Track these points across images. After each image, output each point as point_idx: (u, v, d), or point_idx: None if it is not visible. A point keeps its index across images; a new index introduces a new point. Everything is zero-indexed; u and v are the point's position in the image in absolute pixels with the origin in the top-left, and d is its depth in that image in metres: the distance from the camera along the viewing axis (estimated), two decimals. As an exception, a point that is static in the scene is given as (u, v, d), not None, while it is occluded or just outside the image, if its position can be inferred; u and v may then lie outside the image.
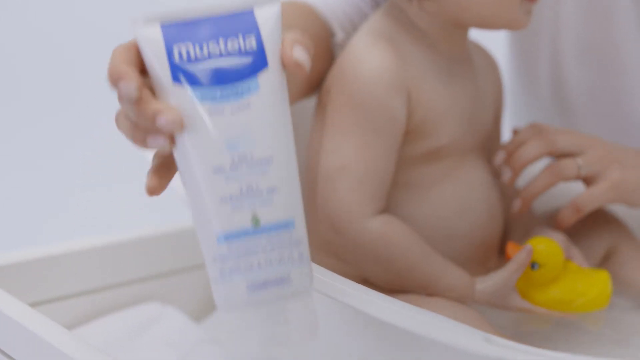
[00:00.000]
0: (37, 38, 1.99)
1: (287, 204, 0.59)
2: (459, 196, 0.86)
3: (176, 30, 0.59)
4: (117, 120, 0.64)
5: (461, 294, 0.81)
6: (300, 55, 0.62)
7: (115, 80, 0.59)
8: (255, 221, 0.58)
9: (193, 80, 0.58)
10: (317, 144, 0.85)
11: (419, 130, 0.83)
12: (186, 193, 0.60)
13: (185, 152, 0.58)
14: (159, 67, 0.59)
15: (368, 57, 0.81)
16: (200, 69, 0.58)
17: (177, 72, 0.58)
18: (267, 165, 0.58)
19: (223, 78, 0.58)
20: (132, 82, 0.58)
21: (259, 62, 0.59)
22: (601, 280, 0.85)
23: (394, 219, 0.81)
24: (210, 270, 0.59)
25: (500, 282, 0.82)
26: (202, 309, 1.04)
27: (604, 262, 0.99)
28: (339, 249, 0.81)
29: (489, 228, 0.89)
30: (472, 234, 0.87)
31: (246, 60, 0.59)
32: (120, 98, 0.60)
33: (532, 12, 0.84)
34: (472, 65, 0.90)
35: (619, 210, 1.02)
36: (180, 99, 0.58)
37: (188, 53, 0.58)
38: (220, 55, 0.59)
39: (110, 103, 0.65)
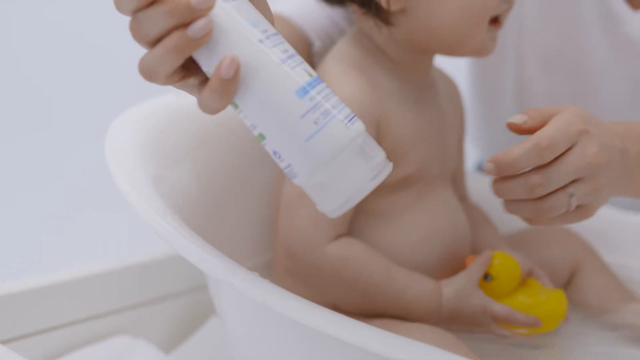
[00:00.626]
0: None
1: None
2: (428, 222, 0.87)
3: None
4: (147, 61, 0.59)
5: (430, 299, 0.82)
6: None
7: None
8: (311, 75, 0.60)
9: None
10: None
11: (388, 158, 0.83)
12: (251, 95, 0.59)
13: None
14: None
15: (338, 87, 0.81)
16: None
17: None
18: None
19: None
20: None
21: None
22: (556, 298, 0.85)
23: (352, 240, 0.81)
24: (304, 131, 0.59)
25: (464, 280, 0.83)
26: (172, 341, 1.03)
27: (569, 283, 1.01)
28: (299, 277, 0.81)
29: (457, 251, 0.89)
30: (441, 257, 0.87)
31: None
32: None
33: (497, 38, 0.85)
34: (436, 91, 0.91)
35: (582, 229, 1.04)
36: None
37: None
38: None
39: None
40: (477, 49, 0.84)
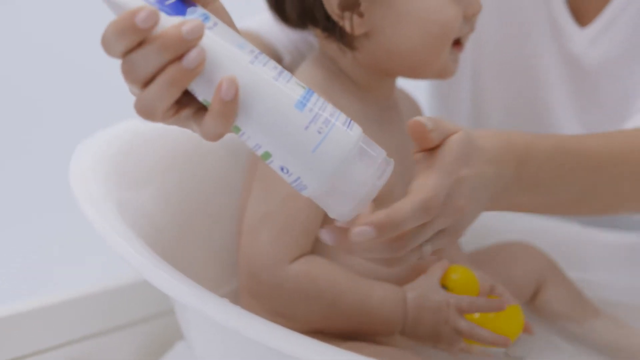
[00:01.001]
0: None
1: None
2: None
3: None
4: (144, 100, 0.59)
5: (395, 302, 0.81)
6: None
7: (128, 21, 0.56)
8: (303, 87, 0.61)
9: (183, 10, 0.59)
10: (247, 189, 0.85)
11: None
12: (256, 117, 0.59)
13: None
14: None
15: None
16: (172, 4, 0.60)
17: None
18: None
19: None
20: (148, 9, 0.56)
21: None
22: (511, 314, 0.85)
23: (314, 256, 0.81)
24: (310, 142, 0.60)
25: (426, 282, 0.83)
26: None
27: (534, 297, 1.02)
28: (264, 298, 0.81)
29: (420, 268, 0.88)
30: (404, 275, 0.87)
31: None
32: (138, 33, 0.57)
33: (459, 59, 0.86)
34: (399, 112, 0.92)
35: (545, 246, 1.05)
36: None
37: None
38: None
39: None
40: (439, 72, 0.85)
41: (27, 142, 1.77)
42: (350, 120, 0.63)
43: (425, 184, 0.64)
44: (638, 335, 0.98)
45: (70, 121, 1.52)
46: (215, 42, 0.59)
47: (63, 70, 1.82)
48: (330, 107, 0.62)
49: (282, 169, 0.61)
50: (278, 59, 0.99)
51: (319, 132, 0.60)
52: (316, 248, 0.83)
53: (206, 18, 0.60)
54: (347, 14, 0.81)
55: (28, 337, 0.95)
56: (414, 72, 0.85)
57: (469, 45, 1.14)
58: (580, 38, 1.08)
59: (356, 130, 0.62)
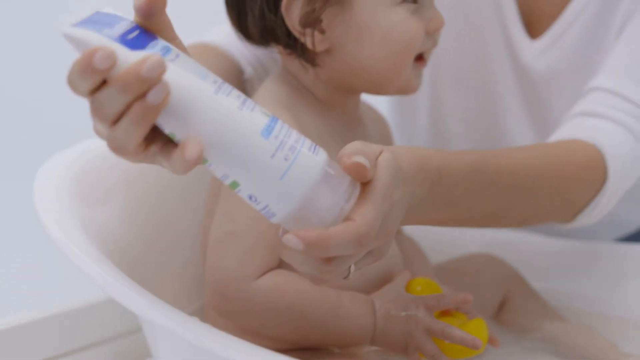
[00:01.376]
0: None
1: None
2: None
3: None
4: (114, 138, 0.59)
5: (365, 307, 0.81)
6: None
7: (87, 61, 0.56)
8: (267, 115, 0.61)
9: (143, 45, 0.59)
10: (213, 206, 0.84)
11: None
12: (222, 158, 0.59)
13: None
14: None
15: None
16: (134, 37, 0.59)
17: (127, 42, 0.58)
18: None
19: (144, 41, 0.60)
20: (104, 50, 0.56)
21: None
22: (474, 326, 0.85)
23: (281, 270, 0.81)
24: (277, 170, 0.60)
25: (392, 288, 0.83)
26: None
27: (501, 309, 1.03)
28: (231, 315, 0.80)
29: (389, 280, 0.88)
30: (374, 289, 0.86)
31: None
32: (98, 74, 0.56)
33: (422, 75, 0.86)
34: (364, 128, 0.92)
35: (510, 257, 1.06)
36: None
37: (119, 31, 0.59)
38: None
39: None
40: (402, 88, 0.85)
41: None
42: (316, 145, 0.63)
43: (363, 216, 0.62)
44: (604, 341, 0.99)
45: (33, 140, 1.51)
46: (178, 74, 0.59)
47: (23, 88, 1.81)
48: (295, 134, 0.62)
49: (250, 198, 0.61)
50: (239, 72, 0.99)
51: (286, 160, 0.60)
52: (283, 262, 0.83)
53: (168, 50, 0.60)
54: (308, 31, 0.81)
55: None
56: (377, 89, 0.85)
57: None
58: (530, 49, 1.10)
59: (322, 155, 0.62)
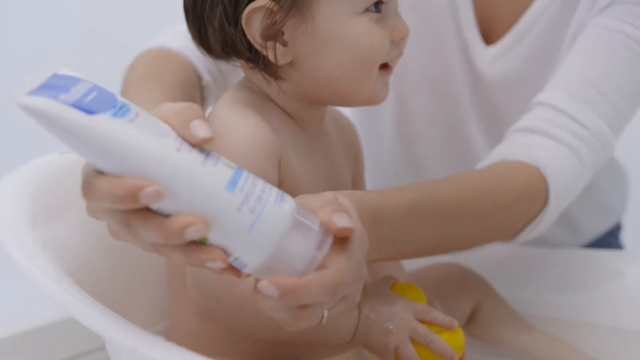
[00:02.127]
0: None
1: None
2: None
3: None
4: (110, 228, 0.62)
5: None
6: (200, 131, 0.61)
7: (134, 194, 0.57)
8: (231, 167, 0.61)
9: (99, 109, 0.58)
10: None
11: None
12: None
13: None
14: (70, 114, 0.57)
15: (238, 124, 0.79)
16: (91, 100, 0.58)
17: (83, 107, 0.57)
18: None
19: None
20: (154, 186, 0.57)
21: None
22: (451, 336, 0.82)
23: None
24: (244, 223, 0.59)
25: (377, 286, 0.82)
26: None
27: (471, 319, 1.02)
28: (221, 316, 0.78)
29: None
30: None
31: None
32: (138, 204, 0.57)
33: (389, 83, 0.85)
34: (328, 139, 0.90)
35: (482, 269, 1.06)
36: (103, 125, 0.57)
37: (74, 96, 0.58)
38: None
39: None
40: (368, 98, 0.83)
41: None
42: (283, 193, 0.62)
43: (337, 265, 0.62)
44: (571, 348, 0.99)
45: None
46: (139, 134, 0.58)
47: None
48: (261, 183, 0.62)
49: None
50: (197, 78, 0.97)
51: (252, 212, 0.59)
52: None
53: (127, 111, 0.59)
54: (270, 44, 0.79)
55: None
56: (343, 100, 0.84)
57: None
58: (483, 55, 1.10)
59: (290, 203, 0.62)
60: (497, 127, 1.13)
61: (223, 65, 0.95)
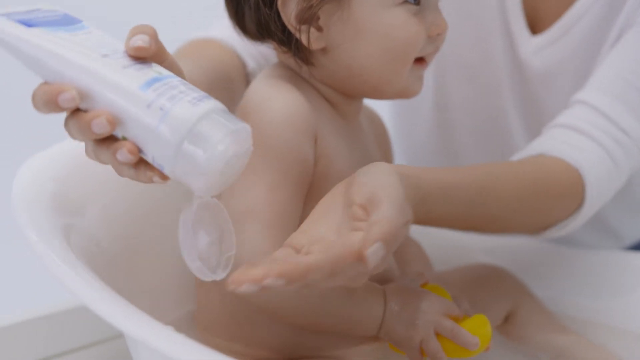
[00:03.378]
0: None
1: None
2: None
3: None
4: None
5: (376, 296, 0.79)
6: (135, 41, 0.66)
7: (54, 98, 0.63)
8: (158, 72, 0.65)
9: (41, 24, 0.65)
10: None
11: (320, 186, 0.80)
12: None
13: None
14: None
15: (275, 97, 0.78)
16: (42, 20, 0.66)
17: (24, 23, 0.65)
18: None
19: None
20: (71, 91, 0.63)
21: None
22: (477, 322, 0.81)
23: None
24: (153, 119, 0.62)
25: (407, 281, 0.82)
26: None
27: (506, 320, 1.00)
28: (251, 294, 0.77)
29: (385, 274, 0.86)
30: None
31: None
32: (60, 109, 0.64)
33: (423, 77, 0.83)
34: (362, 130, 0.89)
35: (516, 270, 1.04)
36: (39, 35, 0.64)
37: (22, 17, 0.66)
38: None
39: None
40: (401, 91, 0.82)
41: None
42: (206, 96, 0.64)
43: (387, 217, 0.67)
44: (608, 355, 0.97)
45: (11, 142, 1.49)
46: (72, 46, 0.64)
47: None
48: (184, 87, 0.64)
49: (140, 151, 0.63)
50: (242, 65, 0.97)
51: (161, 109, 0.62)
52: None
53: (79, 29, 0.66)
54: (304, 27, 0.78)
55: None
56: (375, 92, 0.82)
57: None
58: (529, 45, 1.09)
59: (204, 106, 0.63)
60: (536, 119, 1.12)
61: (267, 51, 0.95)
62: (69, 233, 0.76)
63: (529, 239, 1.12)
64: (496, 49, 1.11)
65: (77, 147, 0.87)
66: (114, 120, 0.63)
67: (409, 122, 1.25)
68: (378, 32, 0.78)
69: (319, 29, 0.79)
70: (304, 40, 0.78)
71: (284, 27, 0.79)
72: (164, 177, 0.64)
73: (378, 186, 0.70)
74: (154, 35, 0.66)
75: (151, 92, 0.62)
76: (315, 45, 0.79)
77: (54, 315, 0.95)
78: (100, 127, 0.63)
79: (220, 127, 0.62)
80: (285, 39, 0.80)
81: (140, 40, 0.65)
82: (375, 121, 0.96)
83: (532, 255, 1.11)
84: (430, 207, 0.77)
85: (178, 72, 0.68)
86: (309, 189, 0.80)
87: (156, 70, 0.65)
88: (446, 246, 1.10)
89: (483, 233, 0.91)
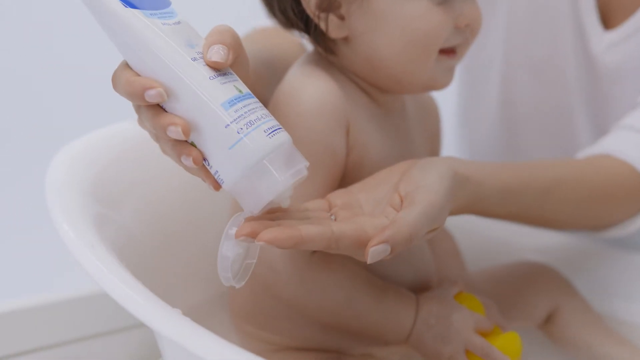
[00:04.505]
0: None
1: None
2: None
3: None
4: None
5: (407, 305, 0.78)
6: (213, 55, 0.66)
7: (140, 91, 0.64)
8: (241, 92, 0.66)
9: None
10: None
11: (354, 175, 0.80)
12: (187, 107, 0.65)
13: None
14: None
15: (307, 85, 0.77)
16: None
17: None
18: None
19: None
20: (158, 88, 0.64)
21: None
22: (509, 341, 0.81)
23: None
24: (228, 140, 0.64)
25: (441, 291, 0.81)
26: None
27: (549, 319, 0.98)
28: (280, 289, 0.77)
29: (422, 271, 0.86)
30: (406, 276, 0.83)
31: None
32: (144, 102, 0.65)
33: (454, 69, 0.81)
34: (405, 117, 0.87)
35: (563, 268, 1.01)
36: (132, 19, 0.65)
37: None
38: None
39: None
40: (426, 84, 0.79)
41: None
42: (280, 128, 0.66)
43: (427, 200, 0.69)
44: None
45: (46, 130, 1.51)
46: (163, 36, 0.65)
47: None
48: (261, 113, 0.66)
49: (204, 160, 0.66)
50: (302, 48, 0.96)
51: (239, 132, 0.64)
52: None
53: (170, 16, 0.67)
54: (323, 15, 0.77)
55: (21, 335, 0.95)
56: (399, 84, 0.80)
57: (497, 39, 1.13)
58: (601, 41, 1.06)
59: (278, 138, 0.65)
60: (604, 117, 1.10)
61: None
62: (102, 223, 0.76)
63: (582, 240, 1.09)
64: (566, 44, 1.08)
65: (119, 137, 0.89)
66: (189, 130, 0.64)
67: (474, 116, 1.24)
68: (398, 22, 0.76)
69: (341, 18, 0.77)
70: (322, 27, 0.77)
71: (303, 14, 0.78)
72: (217, 188, 0.67)
73: (423, 186, 0.71)
74: (231, 44, 0.67)
75: (232, 112, 0.64)
76: (335, 33, 0.77)
77: (101, 295, 0.96)
78: (174, 134, 0.64)
79: (286, 165, 0.65)
80: (304, 27, 0.79)
81: (217, 55, 0.66)
82: (428, 107, 0.93)
83: (584, 257, 1.08)
84: (487, 207, 0.79)
85: (247, 69, 0.70)
86: (343, 178, 0.79)
87: (237, 86, 0.66)
88: (496, 242, 1.08)
89: (536, 226, 0.92)
